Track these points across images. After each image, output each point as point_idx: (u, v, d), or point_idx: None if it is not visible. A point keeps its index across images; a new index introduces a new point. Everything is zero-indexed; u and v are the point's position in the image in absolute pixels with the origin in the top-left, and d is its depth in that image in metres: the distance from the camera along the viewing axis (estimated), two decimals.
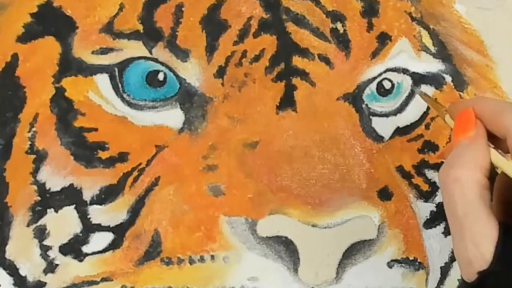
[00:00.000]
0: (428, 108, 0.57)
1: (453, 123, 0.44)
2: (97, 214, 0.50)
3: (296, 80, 0.52)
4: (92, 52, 0.50)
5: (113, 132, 0.50)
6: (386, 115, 0.56)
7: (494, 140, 0.42)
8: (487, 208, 0.39)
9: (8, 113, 0.50)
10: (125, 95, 0.51)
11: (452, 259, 0.58)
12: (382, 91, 0.56)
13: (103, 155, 0.50)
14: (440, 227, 0.57)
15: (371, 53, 0.55)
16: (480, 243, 0.39)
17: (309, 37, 0.53)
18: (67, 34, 0.50)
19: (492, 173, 0.41)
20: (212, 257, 0.50)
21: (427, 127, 0.57)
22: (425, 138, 0.57)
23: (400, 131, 0.56)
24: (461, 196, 0.40)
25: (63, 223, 0.50)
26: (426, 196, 0.57)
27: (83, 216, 0.50)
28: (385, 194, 0.54)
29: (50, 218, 0.50)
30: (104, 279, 0.50)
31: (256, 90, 0.52)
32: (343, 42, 0.54)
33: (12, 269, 0.50)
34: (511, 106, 0.42)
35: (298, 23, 0.53)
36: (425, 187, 0.57)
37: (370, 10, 0.55)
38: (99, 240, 0.50)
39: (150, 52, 0.51)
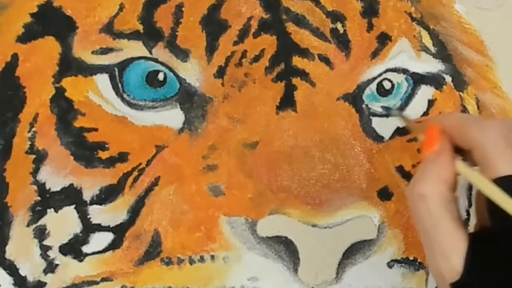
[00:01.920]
0: (428, 109, 0.57)
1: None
2: (97, 214, 0.50)
3: (296, 80, 0.52)
4: (92, 52, 0.50)
5: (113, 132, 0.50)
6: (386, 115, 0.56)
7: (464, 154, 0.42)
8: (454, 220, 0.40)
9: (8, 113, 0.50)
10: (125, 95, 0.51)
11: None
12: (382, 91, 0.56)
13: (103, 155, 0.50)
14: None
15: (371, 53, 0.55)
16: (449, 255, 0.39)
17: (309, 37, 0.53)
18: (67, 34, 0.50)
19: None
20: (212, 257, 0.50)
21: None
22: None
23: (400, 131, 0.56)
24: (427, 211, 0.40)
25: (63, 223, 0.50)
26: None
27: (83, 216, 0.50)
28: (385, 194, 0.54)
29: (50, 218, 0.50)
30: (104, 279, 0.50)
31: (256, 90, 0.52)
32: (343, 42, 0.54)
33: (12, 269, 0.50)
34: (474, 119, 0.43)
35: (298, 23, 0.53)
36: None
37: (370, 10, 0.55)
38: (99, 240, 0.50)
39: (150, 52, 0.51)
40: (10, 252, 0.49)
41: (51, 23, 0.50)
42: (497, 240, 0.39)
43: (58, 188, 0.50)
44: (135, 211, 0.50)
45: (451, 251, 0.39)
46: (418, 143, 0.57)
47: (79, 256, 0.50)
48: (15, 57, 0.50)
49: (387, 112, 0.54)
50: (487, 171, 0.40)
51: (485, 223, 0.42)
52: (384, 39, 0.55)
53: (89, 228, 0.50)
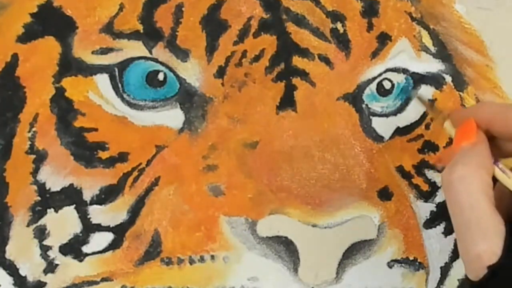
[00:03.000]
0: None
1: (452, 130, 0.45)
2: (97, 214, 0.50)
3: (296, 80, 0.52)
4: (92, 52, 0.50)
5: (113, 132, 0.50)
6: (386, 115, 0.56)
7: (495, 145, 0.43)
8: (492, 204, 0.40)
9: (8, 113, 0.50)
10: (125, 95, 0.51)
11: (452, 259, 0.58)
12: (382, 91, 0.56)
13: (103, 155, 0.50)
14: (440, 227, 0.57)
15: (371, 53, 0.55)
16: (489, 237, 0.39)
17: (309, 37, 0.53)
18: (67, 34, 0.50)
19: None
20: (212, 257, 0.50)
21: (427, 127, 0.57)
22: (425, 138, 0.57)
23: (400, 131, 0.56)
24: (467, 192, 0.40)
25: (63, 223, 0.50)
26: (426, 196, 0.57)
27: (83, 216, 0.50)
28: (385, 194, 0.54)
29: (50, 218, 0.50)
30: (104, 279, 0.50)
31: (256, 90, 0.52)
32: (343, 42, 0.54)
33: (12, 269, 0.50)
34: None
35: (298, 23, 0.53)
36: (425, 187, 0.57)
37: (370, 10, 0.55)
38: (99, 240, 0.50)
39: (150, 52, 0.51)
40: (10, 252, 0.49)
41: (51, 23, 0.50)
42: None
43: (58, 188, 0.50)
44: (135, 211, 0.50)
45: (491, 233, 0.39)
46: (417, 143, 0.57)
47: (79, 256, 0.50)
48: (15, 57, 0.50)
49: (418, 96, 0.54)
50: None
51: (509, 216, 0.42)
52: (384, 39, 0.55)
53: (89, 228, 0.50)
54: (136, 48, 0.51)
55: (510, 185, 0.42)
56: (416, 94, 0.55)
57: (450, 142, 0.53)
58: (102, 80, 0.50)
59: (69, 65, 0.50)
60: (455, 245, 0.57)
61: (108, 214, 0.50)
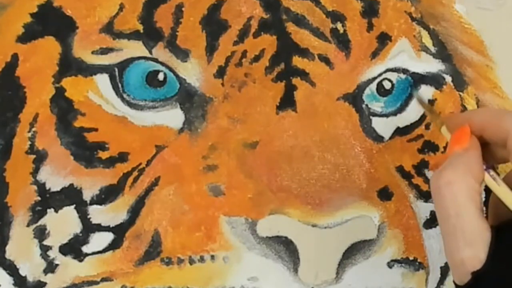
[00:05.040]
0: None
1: (448, 135, 0.45)
2: (97, 214, 0.50)
3: (296, 80, 0.52)
4: (92, 52, 0.50)
5: (113, 132, 0.50)
6: (386, 115, 0.56)
7: (488, 151, 0.43)
8: (478, 210, 0.40)
9: (8, 113, 0.50)
10: (125, 95, 0.51)
11: None
12: (382, 91, 0.56)
13: (103, 155, 0.50)
14: None
15: (371, 53, 0.55)
16: (473, 243, 0.39)
17: (309, 37, 0.53)
18: (67, 34, 0.51)
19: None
20: (212, 257, 0.50)
21: (427, 127, 0.57)
22: (425, 138, 0.57)
23: (400, 131, 0.56)
24: (453, 197, 0.40)
25: (63, 223, 0.50)
26: (426, 196, 0.57)
27: (83, 216, 0.50)
28: (385, 194, 0.54)
29: (50, 218, 0.50)
30: (104, 279, 0.50)
31: (256, 90, 0.52)
32: (343, 42, 0.54)
33: (12, 269, 0.50)
34: (507, 111, 0.43)
35: (298, 23, 0.53)
36: (425, 187, 0.57)
37: (370, 10, 0.55)
38: (99, 240, 0.50)
39: (150, 52, 0.51)
40: (10, 252, 0.49)
41: (51, 23, 0.50)
42: None
43: (58, 188, 0.50)
44: (135, 211, 0.50)
45: (475, 239, 0.39)
46: (417, 143, 0.57)
47: (79, 256, 0.50)
48: (15, 57, 0.50)
49: (419, 98, 0.54)
50: None
51: (499, 221, 0.42)
52: (384, 39, 0.55)
53: (89, 228, 0.50)
54: (136, 48, 0.51)
55: (499, 192, 0.42)
56: (416, 94, 0.55)
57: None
58: (102, 80, 0.50)
59: (69, 65, 0.50)
60: None
61: (108, 214, 0.50)
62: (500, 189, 0.42)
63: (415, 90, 0.55)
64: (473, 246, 0.39)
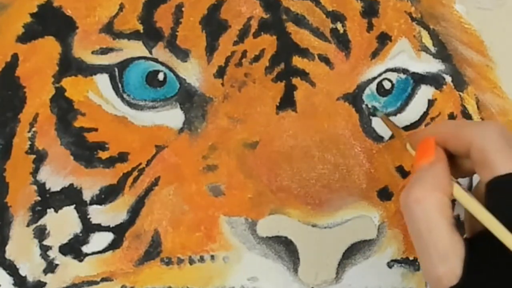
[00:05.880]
0: (428, 109, 0.57)
1: (413, 152, 0.45)
2: (97, 214, 0.50)
3: (296, 80, 0.52)
4: (92, 52, 0.50)
5: (113, 132, 0.50)
6: (386, 115, 0.56)
7: (456, 164, 0.43)
8: (450, 225, 0.40)
9: (8, 113, 0.50)
10: (125, 95, 0.51)
11: None
12: (382, 91, 0.56)
13: (103, 155, 0.50)
14: None
15: (371, 53, 0.55)
16: (448, 258, 0.39)
17: (309, 37, 0.53)
18: (67, 34, 0.51)
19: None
20: (212, 257, 0.50)
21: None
22: None
23: None
24: (423, 214, 0.40)
25: (63, 223, 0.50)
26: None
27: (83, 216, 0.50)
28: (385, 194, 0.54)
29: (50, 218, 0.50)
30: (104, 279, 0.50)
31: (256, 90, 0.52)
32: (343, 42, 0.54)
33: (12, 269, 0.50)
34: (469, 122, 0.43)
35: (298, 23, 0.53)
36: None
37: (370, 10, 0.55)
38: (99, 240, 0.50)
39: (150, 52, 0.51)
40: (10, 252, 0.50)
41: (51, 23, 0.50)
42: (495, 244, 0.38)
43: (58, 188, 0.50)
44: (135, 211, 0.50)
45: (449, 254, 0.39)
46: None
47: (79, 256, 0.50)
48: (15, 57, 0.50)
49: (373, 113, 0.54)
50: (486, 170, 0.40)
51: (474, 232, 0.42)
52: (384, 39, 0.55)
53: (89, 228, 0.50)
54: (136, 48, 0.51)
55: (466, 205, 0.41)
56: (379, 113, 0.54)
57: None
58: (102, 80, 0.50)
59: (69, 65, 0.50)
60: None
61: (108, 214, 0.50)
62: (468, 201, 0.41)
63: (378, 110, 0.55)
64: (447, 262, 0.39)
